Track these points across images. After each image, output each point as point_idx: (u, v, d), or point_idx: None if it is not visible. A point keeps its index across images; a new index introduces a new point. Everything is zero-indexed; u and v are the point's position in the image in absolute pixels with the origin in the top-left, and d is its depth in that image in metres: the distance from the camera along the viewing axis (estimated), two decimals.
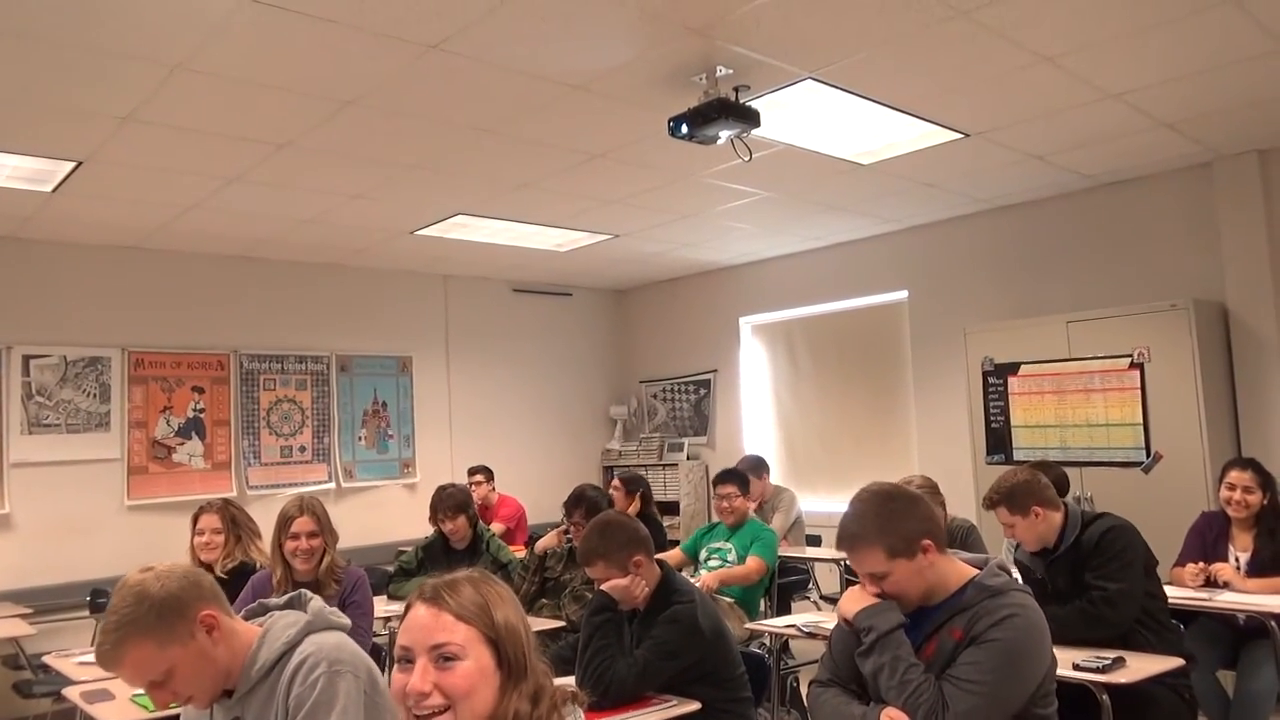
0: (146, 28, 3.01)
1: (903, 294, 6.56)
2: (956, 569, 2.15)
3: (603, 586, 2.73)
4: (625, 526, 2.84)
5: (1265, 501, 3.90)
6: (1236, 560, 3.97)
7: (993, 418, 5.56)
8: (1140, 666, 2.77)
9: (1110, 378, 5.08)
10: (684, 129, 3.67)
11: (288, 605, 1.98)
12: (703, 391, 7.89)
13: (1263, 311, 4.94)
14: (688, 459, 7.68)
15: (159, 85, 3.45)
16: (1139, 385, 4.98)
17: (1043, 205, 5.77)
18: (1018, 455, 5.33)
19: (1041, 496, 3.18)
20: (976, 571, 2.15)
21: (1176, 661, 2.86)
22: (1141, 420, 4.97)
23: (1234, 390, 5.04)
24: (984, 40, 3.43)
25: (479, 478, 6.62)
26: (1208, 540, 4.06)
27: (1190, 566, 3.90)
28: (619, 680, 2.56)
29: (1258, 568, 3.86)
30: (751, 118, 3.67)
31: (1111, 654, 2.81)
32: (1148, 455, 4.93)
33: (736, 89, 3.74)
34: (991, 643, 2.00)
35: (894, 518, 2.10)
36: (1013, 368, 5.45)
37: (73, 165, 4.27)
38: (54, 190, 4.61)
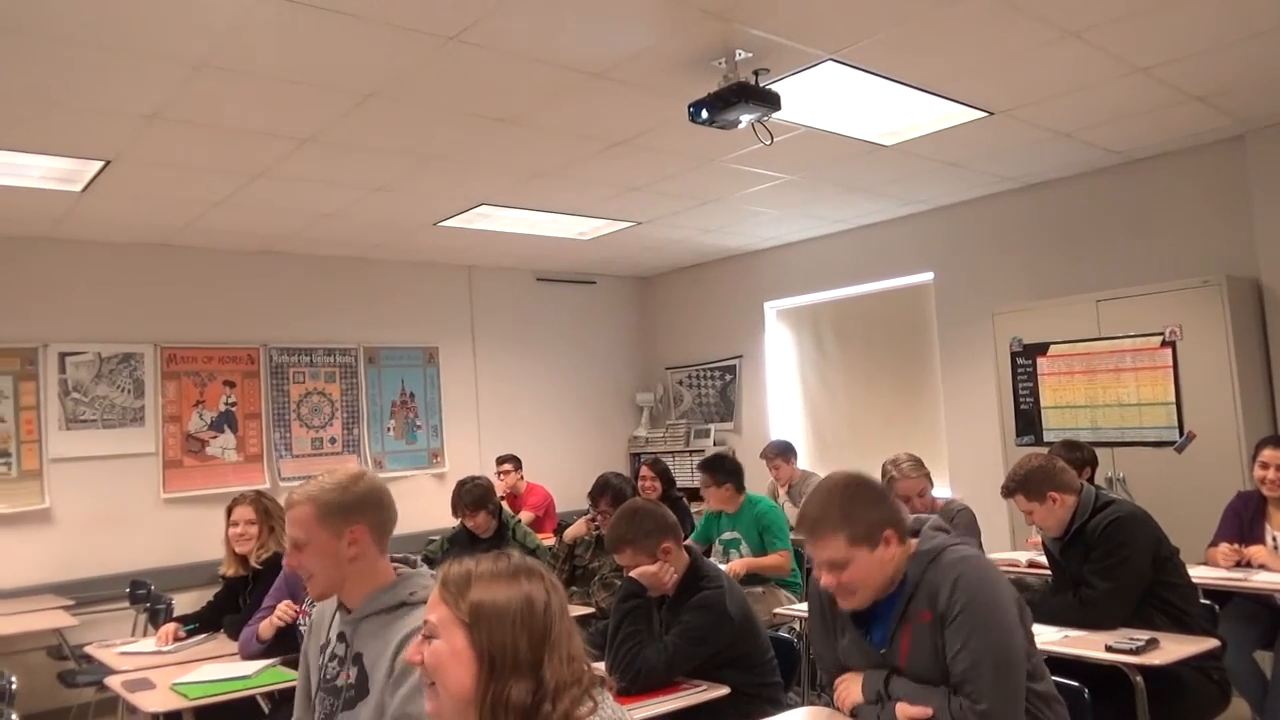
0: (168, 27, 3.04)
1: (929, 275, 6.50)
2: (908, 552, 2.14)
3: (631, 573, 2.75)
4: (653, 514, 2.85)
5: None
6: (1274, 539, 3.91)
7: (1022, 399, 5.50)
8: (1174, 649, 2.74)
9: (1141, 356, 5.01)
10: (704, 114, 3.66)
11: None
12: (729, 377, 7.88)
13: None
14: (714, 445, 7.68)
15: (182, 83, 3.49)
16: (1171, 364, 4.90)
17: (1070, 183, 5.69)
18: (1048, 436, 5.28)
19: (1057, 481, 3.15)
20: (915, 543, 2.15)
21: (1211, 643, 2.83)
22: (1174, 399, 4.90)
23: (1269, 367, 4.95)
24: (1006, 16, 3.39)
25: (507, 466, 6.66)
26: (1244, 520, 4.00)
27: (1224, 547, 3.85)
28: (648, 666, 2.58)
29: None
30: (772, 101, 3.65)
31: (1145, 635, 2.79)
32: (1181, 434, 4.86)
33: (756, 72, 3.72)
34: (962, 612, 2.00)
35: (856, 506, 2.08)
36: (1041, 348, 5.39)
37: (101, 164, 4.33)
38: (84, 190, 4.68)
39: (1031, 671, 2.09)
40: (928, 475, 4.16)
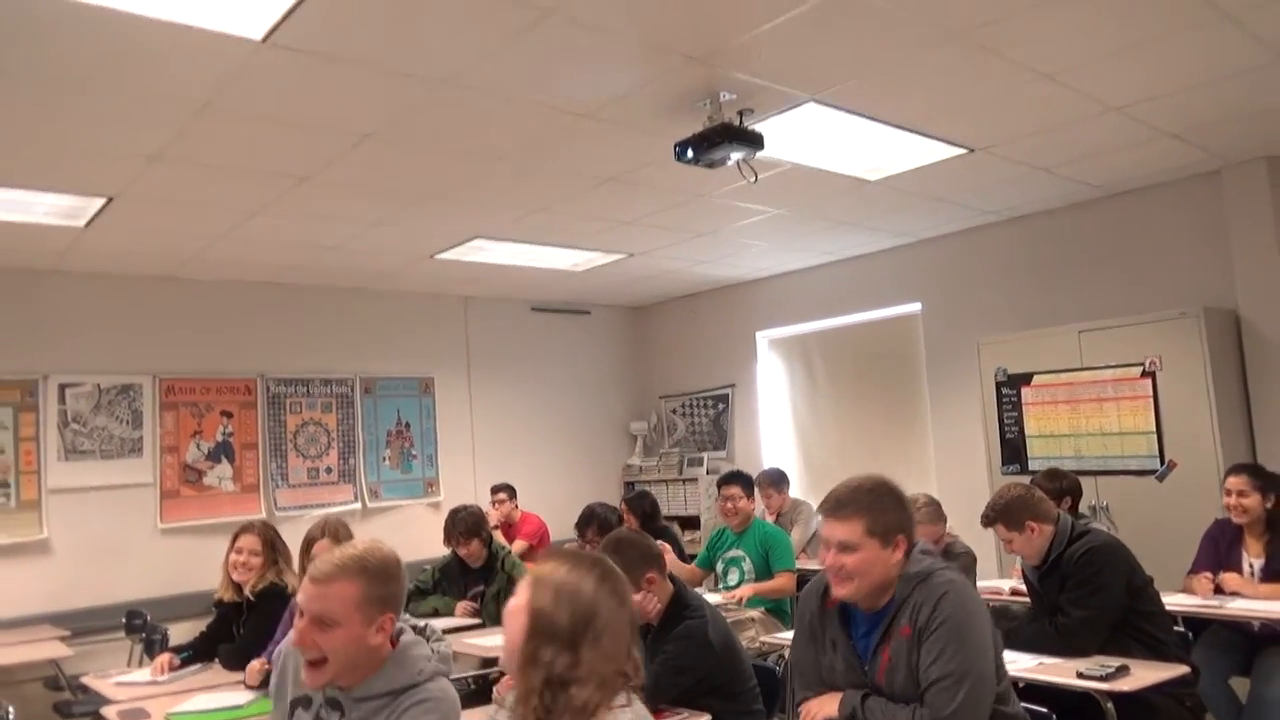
0: (171, 71, 3.15)
1: (916, 306, 6.61)
2: (901, 568, 2.24)
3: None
4: (638, 544, 2.91)
5: (1270, 505, 3.92)
6: (1250, 566, 3.98)
7: (1007, 428, 5.59)
8: (1144, 675, 2.81)
9: (1123, 386, 5.10)
10: (689, 154, 3.78)
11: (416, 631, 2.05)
12: (721, 406, 7.97)
13: (1275, 317, 4.95)
14: (707, 473, 7.74)
15: (184, 125, 3.61)
16: (1151, 394, 5.00)
17: (1053, 216, 5.81)
18: (1033, 465, 5.36)
19: (1035, 511, 3.23)
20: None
21: (1180, 669, 2.90)
22: (1155, 428, 4.99)
23: (1247, 396, 5.05)
24: (980, 60, 3.51)
25: (501, 495, 6.72)
26: (1221, 547, 4.08)
27: (1200, 577, 3.92)
28: None
29: (1271, 574, 3.87)
30: (755, 141, 3.77)
31: (1115, 662, 2.86)
32: (1161, 463, 4.95)
33: (741, 113, 3.83)
34: (939, 628, 2.09)
35: (884, 503, 2.22)
36: (1025, 378, 5.49)
37: (104, 201, 4.44)
38: (86, 225, 4.79)
39: (1001, 695, 2.16)
40: (944, 519, 4.18)
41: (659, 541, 3.31)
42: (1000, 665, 2.20)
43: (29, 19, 2.73)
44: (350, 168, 4.22)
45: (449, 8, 2.85)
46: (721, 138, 3.69)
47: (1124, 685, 2.73)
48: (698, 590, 4.35)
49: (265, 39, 2.94)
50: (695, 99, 3.72)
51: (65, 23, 2.77)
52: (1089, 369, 5.22)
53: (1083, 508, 4.84)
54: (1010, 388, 5.57)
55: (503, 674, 3.09)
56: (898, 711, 2.11)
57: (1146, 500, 4.98)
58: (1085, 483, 5.03)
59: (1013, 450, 5.57)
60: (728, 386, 7.92)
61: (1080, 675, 2.78)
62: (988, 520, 3.35)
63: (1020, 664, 3.00)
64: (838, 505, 2.24)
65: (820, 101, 3.84)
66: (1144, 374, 5.02)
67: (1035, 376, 5.46)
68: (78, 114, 3.45)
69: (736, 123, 3.81)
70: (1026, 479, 4.63)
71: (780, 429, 7.62)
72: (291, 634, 1.92)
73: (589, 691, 1.51)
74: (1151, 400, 5.00)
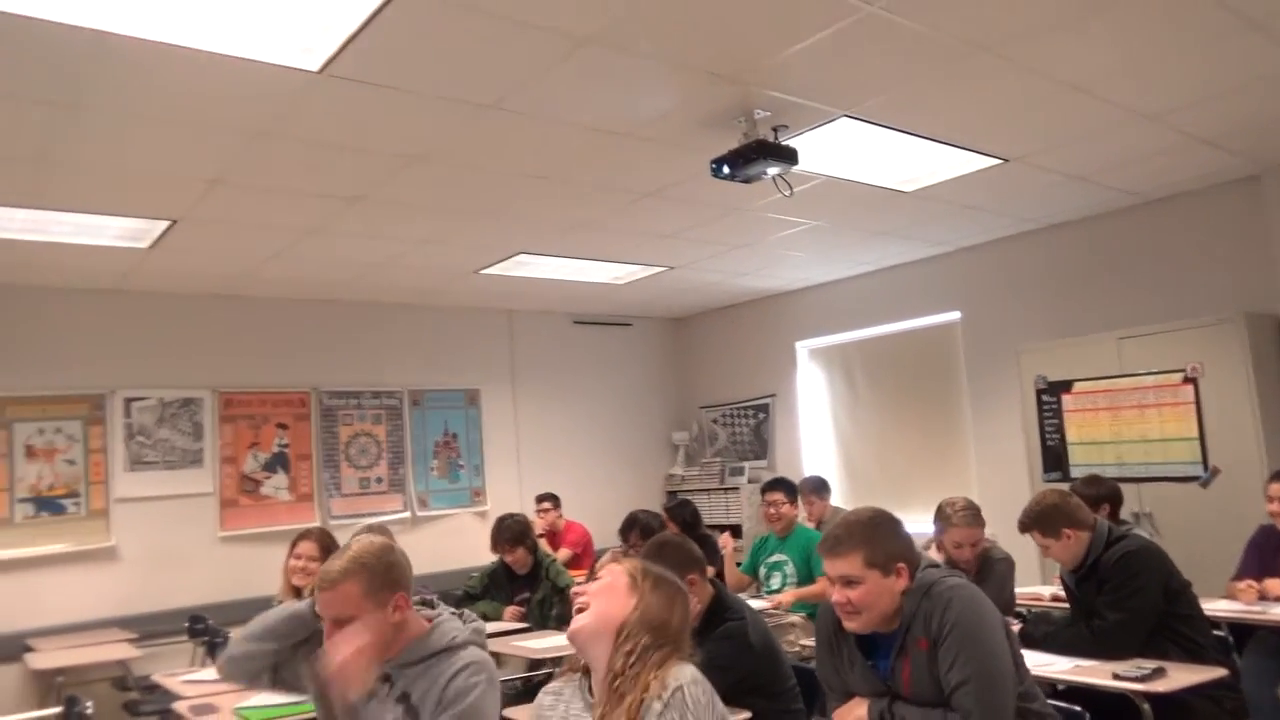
0: (233, 101, 3.35)
1: (956, 315, 6.63)
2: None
3: None
4: (680, 547, 3.01)
5: None
6: None
7: (1048, 435, 5.60)
8: (1180, 677, 2.84)
9: (1164, 393, 5.09)
10: (725, 170, 3.89)
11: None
12: (762, 416, 8.04)
13: None
14: (748, 482, 7.81)
15: (242, 151, 3.81)
16: (1193, 400, 4.98)
17: (1091, 223, 5.82)
18: (1074, 472, 5.36)
19: (1072, 518, 3.27)
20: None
21: (1218, 672, 2.91)
22: (1198, 435, 4.97)
23: None
24: (1008, 73, 3.58)
25: (546, 505, 6.85)
26: (1265, 553, 4.07)
27: (1242, 584, 3.92)
28: None
29: None
30: (789, 156, 3.86)
31: (1151, 664, 2.89)
32: (1205, 470, 4.93)
33: (775, 129, 3.94)
34: (951, 633, 2.16)
35: (880, 533, 2.28)
36: (1066, 385, 5.50)
37: (167, 224, 4.67)
38: (150, 247, 5.03)
39: (1025, 692, 2.23)
40: (982, 523, 4.11)
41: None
42: (1020, 664, 2.26)
43: (105, 57, 2.93)
44: (399, 189, 4.40)
45: (489, 38, 3.00)
46: (756, 154, 3.79)
47: (1160, 686, 2.76)
48: (740, 595, 4.45)
49: (321, 70, 3.12)
50: (730, 117, 3.83)
51: (136, 60, 2.96)
52: (1129, 375, 5.22)
53: (1125, 515, 4.83)
54: (1050, 395, 5.59)
55: (551, 673, 3.21)
56: (931, 715, 2.18)
57: (1190, 507, 4.96)
58: (1128, 490, 5.02)
59: (1054, 457, 5.57)
60: (768, 396, 7.99)
61: (1116, 677, 2.82)
62: (1024, 527, 3.39)
63: (1057, 666, 3.04)
64: (835, 543, 2.30)
65: (852, 116, 3.93)
66: (1185, 380, 5.01)
67: (1076, 384, 5.46)
68: (145, 143, 3.67)
69: (771, 139, 3.92)
70: (1060, 487, 4.65)
71: (821, 438, 7.67)
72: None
73: (666, 653, 1.89)
74: (1194, 406, 4.99)
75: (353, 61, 3.07)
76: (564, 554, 6.53)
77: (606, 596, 1.96)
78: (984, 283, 6.43)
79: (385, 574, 2.12)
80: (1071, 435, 5.49)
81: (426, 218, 4.93)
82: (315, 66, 3.10)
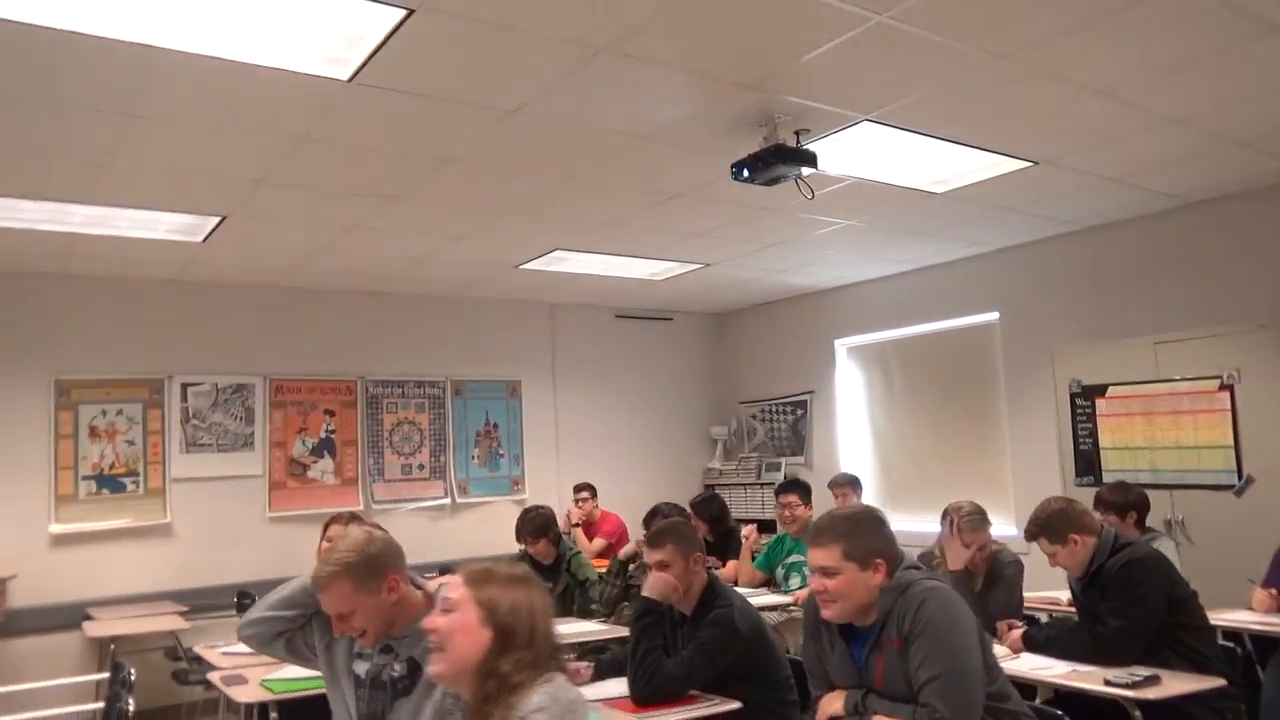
0: (272, 108, 3.54)
1: (994, 315, 6.58)
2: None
3: (651, 579, 3.03)
4: (681, 532, 3.18)
5: None
6: None
7: (1081, 439, 5.56)
8: (1174, 685, 2.86)
9: (1200, 399, 5.03)
10: (745, 173, 3.95)
11: None
12: (800, 412, 8.07)
13: None
14: (785, 478, 7.86)
15: (284, 154, 4.01)
16: (1229, 407, 4.92)
17: (1129, 226, 5.73)
18: (1107, 478, 5.32)
19: (1078, 524, 3.29)
20: None
21: (1214, 681, 2.92)
22: (1233, 442, 4.91)
23: None
24: (1032, 79, 3.58)
25: (585, 494, 7.00)
26: None
27: (1260, 593, 3.88)
28: (668, 678, 2.85)
29: None
30: (808, 160, 3.92)
31: (1146, 671, 2.91)
32: (1239, 478, 4.86)
33: (798, 132, 3.99)
34: (922, 632, 2.23)
35: (860, 529, 2.38)
36: (1100, 389, 5.46)
37: (217, 220, 4.91)
38: (204, 240, 5.29)
39: (998, 693, 2.29)
40: (987, 525, 4.09)
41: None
42: (994, 664, 2.32)
43: (152, 68, 3.14)
44: (433, 188, 4.56)
45: (508, 48, 3.12)
46: (775, 158, 3.85)
47: (1151, 693, 2.78)
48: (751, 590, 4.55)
49: (351, 79, 3.28)
50: (752, 121, 3.89)
51: (180, 71, 3.15)
52: (1165, 381, 5.16)
53: (1157, 522, 4.80)
54: (1085, 399, 5.54)
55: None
56: (899, 710, 2.26)
57: (1224, 515, 4.90)
58: (1161, 496, 4.99)
59: (1086, 462, 5.53)
60: (807, 393, 8.02)
61: (1108, 683, 2.85)
62: (1030, 534, 3.41)
63: (1054, 670, 3.08)
64: (818, 533, 2.42)
65: (874, 120, 3.96)
66: (1221, 387, 4.94)
67: (1110, 388, 5.42)
68: (195, 146, 3.89)
69: (794, 142, 3.97)
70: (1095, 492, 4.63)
71: (857, 436, 7.68)
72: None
73: (525, 674, 1.75)
74: (1229, 414, 4.92)
75: (379, 71, 3.22)
76: (599, 544, 6.68)
77: (459, 638, 1.81)
78: (1023, 284, 6.37)
79: (369, 566, 2.26)
80: (1105, 440, 5.44)
81: (461, 216, 5.09)
82: (345, 76, 3.26)
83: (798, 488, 5.15)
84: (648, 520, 4.66)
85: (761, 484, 7.99)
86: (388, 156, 4.11)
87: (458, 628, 1.82)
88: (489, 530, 7.21)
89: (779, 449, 8.22)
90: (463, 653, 1.80)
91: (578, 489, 7.07)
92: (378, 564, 2.28)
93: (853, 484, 6.49)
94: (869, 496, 6.92)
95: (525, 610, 1.82)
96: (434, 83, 3.38)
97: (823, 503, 5.81)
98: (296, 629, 2.50)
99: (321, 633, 2.46)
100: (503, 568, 1.91)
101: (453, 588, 1.87)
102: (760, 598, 4.78)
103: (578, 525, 6.89)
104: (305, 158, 4.07)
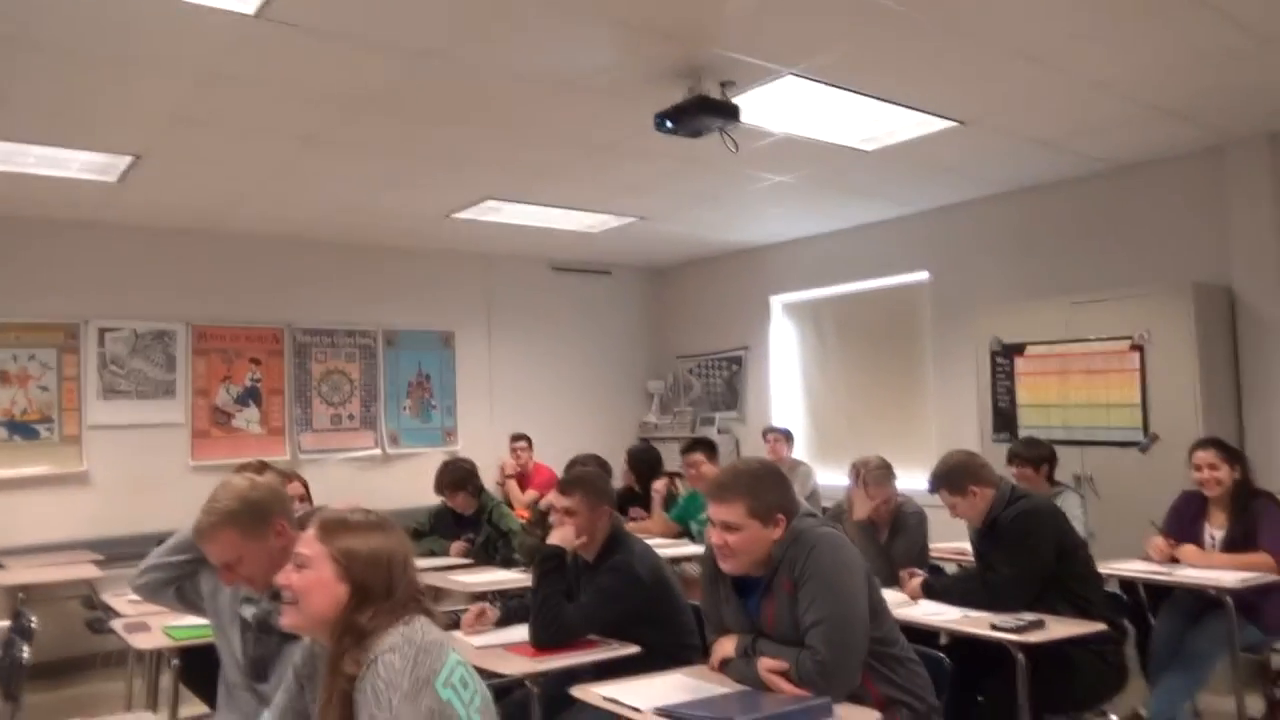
0: (178, 41, 3.41)
1: (924, 275, 6.68)
2: None
3: (555, 527, 3.09)
4: (607, 482, 3.31)
5: (1238, 477, 4.00)
6: (1212, 538, 4.07)
7: (999, 397, 5.68)
8: (1058, 629, 2.96)
9: (1111, 359, 5.16)
10: (668, 124, 3.93)
11: None
12: (735, 367, 8.14)
13: (1269, 295, 4.95)
14: (719, 433, 7.93)
15: (195, 90, 3.88)
16: (1139, 367, 5.05)
17: (1058, 188, 5.82)
18: (1023, 434, 5.44)
19: (977, 477, 3.38)
20: None
21: (1096, 626, 3.03)
22: (1140, 401, 5.05)
23: (1237, 371, 5.07)
24: (956, 38, 3.59)
25: (522, 444, 6.97)
26: (1185, 518, 4.17)
27: (1156, 541, 4.04)
28: (568, 623, 2.88)
29: (1229, 545, 3.97)
30: (731, 113, 3.90)
31: (1031, 616, 3.02)
32: (1145, 435, 5.01)
33: (723, 85, 3.97)
34: (811, 577, 2.29)
35: (763, 485, 2.40)
36: (1019, 348, 5.57)
37: (131, 159, 4.75)
38: (119, 180, 5.11)
39: (884, 637, 2.36)
40: (893, 479, 4.18)
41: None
42: (881, 609, 2.39)
43: None
44: (352, 133, 4.46)
45: None
46: (698, 110, 3.83)
47: (1033, 637, 2.88)
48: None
49: (257, 14, 3.17)
50: (677, 72, 3.85)
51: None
52: (1079, 340, 5.28)
53: (1067, 477, 4.95)
54: (1004, 357, 5.66)
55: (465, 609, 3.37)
56: (785, 651, 2.31)
57: (1130, 472, 5.06)
58: (1072, 453, 5.14)
59: (1004, 419, 5.66)
60: (742, 349, 8.08)
61: (994, 627, 2.95)
62: (933, 486, 3.51)
63: (945, 616, 3.17)
64: (721, 489, 2.42)
65: (799, 74, 3.95)
66: (1132, 347, 5.07)
67: (1028, 347, 5.53)
68: (100, 79, 3.74)
69: (718, 95, 3.95)
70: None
71: (791, 391, 7.77)
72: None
73: (382, 621, 1.66)
74: (1139, 374, 5.06)
75: (285, 6, 3.12)
76: (530, 495, 6.69)
77: (315, 594, 1.71)
78: (952, 244, 6.46)
79: (253, 513, 2.26)
80: (1022, 398, 5.57)
81: (384, 161, 4.99)
82: (250, 10, 3.15)
83: (701, 445, 5.23)
84: (567, 470, 4.69)
85: (696, 438, 8.03)
86: (302, 97, 4.00)
87: (312, 583, 1.71)
88: (421, 482, 7.03)
89: (714, 403, 8.29)
90: (318, 609, 1.70)
91: (515, 438, 7.05)
92: (259, 511, 2.27)
93: (786, 436, 6.67)
94: (800, 449, 7.04)
95: (384, 559, 1.72)
96: (341, 20, 3.28)
97: (753, 450, 5.92)
98: (186, 576, 2.48)
99: (207, 578, 2.44)
100: (358, 515, 1.79)
101: (305, 541, 1.76)
102: (676, 549, 4.86)
103: (512, 477, 6.91)
104: (218, 96, 3.94)
